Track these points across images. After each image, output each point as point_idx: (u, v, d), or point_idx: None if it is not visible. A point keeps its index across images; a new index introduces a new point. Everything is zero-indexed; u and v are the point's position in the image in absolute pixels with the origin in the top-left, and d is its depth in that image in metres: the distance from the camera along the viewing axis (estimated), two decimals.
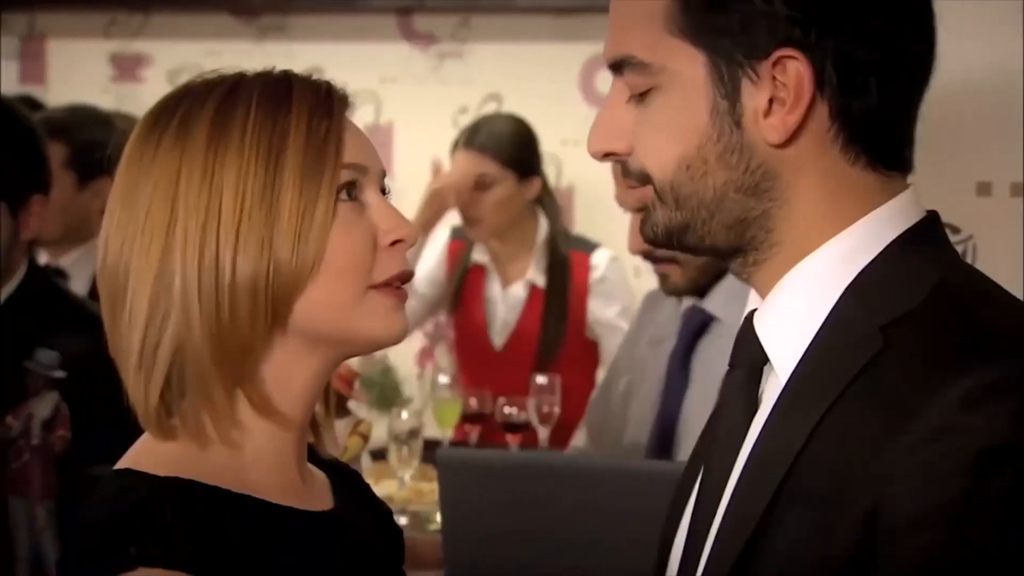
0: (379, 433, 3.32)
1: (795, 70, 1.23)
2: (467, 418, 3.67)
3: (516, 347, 3.92)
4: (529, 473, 2.37)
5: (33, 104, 4.24)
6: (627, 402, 3.11)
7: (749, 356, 1.31)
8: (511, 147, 3.89)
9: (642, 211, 1.33)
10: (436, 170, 3.98)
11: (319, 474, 1.46)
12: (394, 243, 1.37)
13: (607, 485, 2.22)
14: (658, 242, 1.32)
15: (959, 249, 2.32)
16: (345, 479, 1.50)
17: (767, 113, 1.24)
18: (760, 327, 1.29)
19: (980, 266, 2.30)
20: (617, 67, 1.29)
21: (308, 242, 1.31)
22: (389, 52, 4.91)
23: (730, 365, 1.34)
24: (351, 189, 1.35)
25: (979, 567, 1.11)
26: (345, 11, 4.89)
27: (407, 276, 1.38)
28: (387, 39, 4.91)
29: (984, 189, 2.30)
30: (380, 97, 4.93)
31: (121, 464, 1.35)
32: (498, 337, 3.95)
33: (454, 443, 3.72)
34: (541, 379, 3.64)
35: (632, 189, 1.35)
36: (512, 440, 3.56)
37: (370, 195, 1.37)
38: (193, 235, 1.30)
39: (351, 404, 2.58)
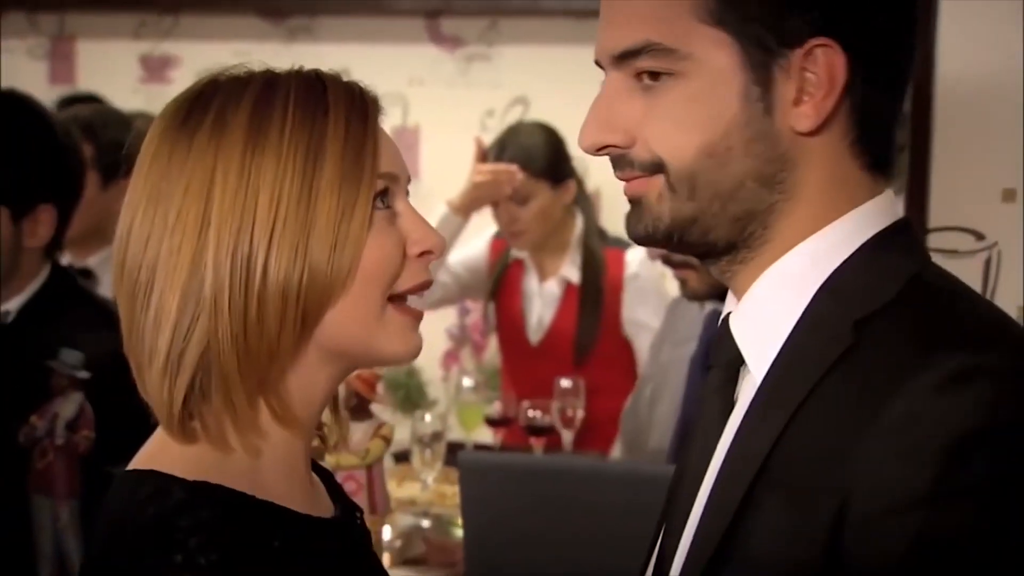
0: (403, 435, 3.33)
1: (827, 59, 1.24)
2: (491, 421, 3.67)
3: (552, 343, 3.91)
4: (550, 476, 2.37)
5: (94, 101, 4.21)
6: (652, 407, 3.11)
7: (726, 357, 1.32)
8: (541, 157, 3.89)
9: (634, 204, 1.32)
10: (480, 155, 3.94)
11: (316, 478, 1.46)
12: (422, 254, 1.37)
13: (627, 488, 2.22)
14: (654, 239, 1.31)
15: (984, 256, 2.32)
16: (329, 480, 1.50)
17: (797, 101, 1.25)
18: (736, 328, 1.30)
19: (1005, 272, 2.30)
20: (626, 56, 1.28)
21: (344, 250, 1.30)
22: (417, 54, 4.92)
23: (708, 366, 1.35)
24: (384, 197, 1.34)
25: (955, 551, 1.11)
26: (373, 13, 4.90)
27: (428, 286, 1.38)
28: (415, 41, 4.92)
29: (1009, 196, 2.30)
30: (407, 99, 4.94)
31: (141, 464, 1.34)
32: (534, 333, 3.94)
33: (478, 446, 3.72)
34: (565, 382, 3.63)
35: (629, 182, 1.33)
36: (536, 443, 3.56)
37: (400, 203, 1.37)
38: (226, 239, 1.28)
39: (373, 407, 2.58)
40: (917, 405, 1.14)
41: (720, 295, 2.86)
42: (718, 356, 1.34)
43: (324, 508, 1.42)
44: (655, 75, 1.27)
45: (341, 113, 1.32)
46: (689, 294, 2.91)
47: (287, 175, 1.29)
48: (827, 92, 1.24)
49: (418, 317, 1.38)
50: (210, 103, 1.32)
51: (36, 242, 2.51)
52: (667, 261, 2.86)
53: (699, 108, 1.26)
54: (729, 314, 1.33)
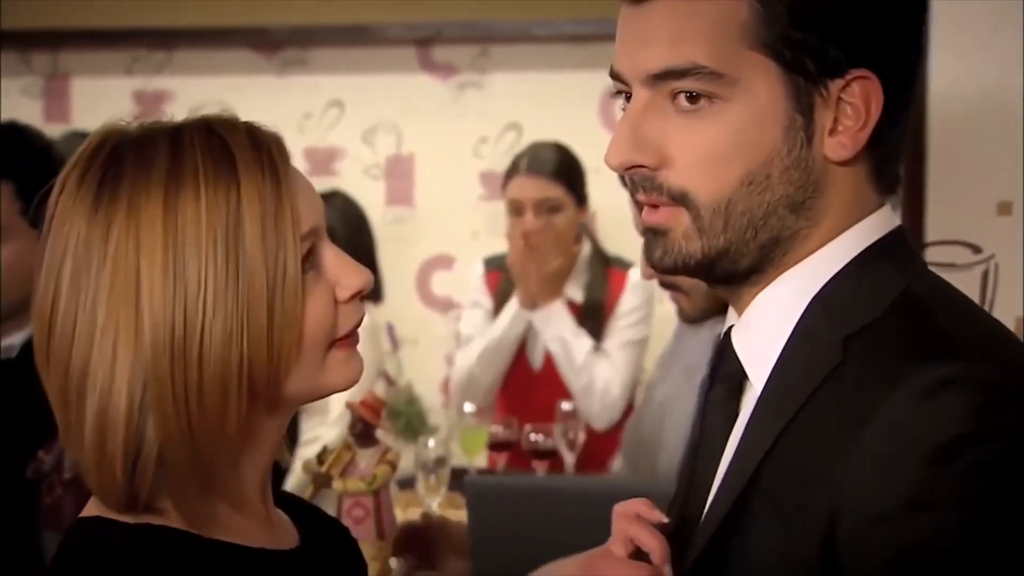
0: (406, 462, 3.33)
1: (864, 90, 1.25)
2: (494, 446, 3.67)
3: (554, 367, 3.87)
4: (557, 497, 2.38)
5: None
6: (661, 428, 3.11)
7: (729, 372, 1.33)
8: (573, 174, 3.89)
9: (657, 234, 1.31)
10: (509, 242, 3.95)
11: (280, 511, 1.44)
12: (351, 296, 1.35)
13: None
14: (682, 272, 1.31)
15: (981, 268, 2.33)
16: (298, 508, 1.48)
17: (832, 131, 1.26)
18: (737, 342, 1.32)
19: (1002, 284, 2.31)
20: (666, 76, 1.27)
21: (284, 328, 1.28)
22: (409, 84, 4.94)
23: (711, 381, 1.36)
24: (310, 256, 1.32)
25: (939, 557, 1.13)
26: (365, 44, 4.92)
27: (361, 322, 1.37)
28: (407, 71, 4.94)
29: (1005, 208, 2.31)
30: (401, 128, 4.96)
31: (90, 511, 1.33)
32: (537, 358, 3.93)
33: (482, 471, 3.73)
34: (566, 405, 3.64)
35: (654, 208, 1.30)
36: (539, 467, 3.57)
37: (325, 252, 1.35)
38: (161, 337, 1.25)
39: (379, 433, 2.59)
40: (900, 414, 1.16)
41: (715, 316, 2.88)
42: (720, 370, 1.35)
43: (285, 540, 1.40)
44: (694, 98, 1.26)
45: (253, 184, 1.28)
46: (684, 317, 2.92)
47: (210, 266, 1.26)
48: (864, 123, 1.26)
49: (354, 344, 1.37)
50: (119, 187, 1.28)
51: None
52: (661, 283, 2.86)
53: (742, 136, 1.25)
54: (731, 328, 1.34)
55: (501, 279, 4.01)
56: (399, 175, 4.98)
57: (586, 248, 3.94)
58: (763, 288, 1.31)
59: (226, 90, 4.78)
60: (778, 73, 1.25)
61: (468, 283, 4.17)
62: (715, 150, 1.26)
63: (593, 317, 3.88)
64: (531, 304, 3.85)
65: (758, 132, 1.25)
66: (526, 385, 3.94)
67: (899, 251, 1.31)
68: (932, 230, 2.33)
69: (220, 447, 1.28)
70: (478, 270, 4.09)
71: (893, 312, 1.25)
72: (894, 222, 1.33)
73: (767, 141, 1.26)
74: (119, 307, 1.25)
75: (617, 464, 3.51)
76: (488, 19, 4.82)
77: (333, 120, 4.92)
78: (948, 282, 1.32)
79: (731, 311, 1.36)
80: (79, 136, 4.12)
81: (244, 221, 1.27)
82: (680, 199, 1.28)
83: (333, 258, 1.35)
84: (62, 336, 1.28)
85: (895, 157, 1.32)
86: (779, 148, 1.26)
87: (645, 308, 3.91)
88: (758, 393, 1.29)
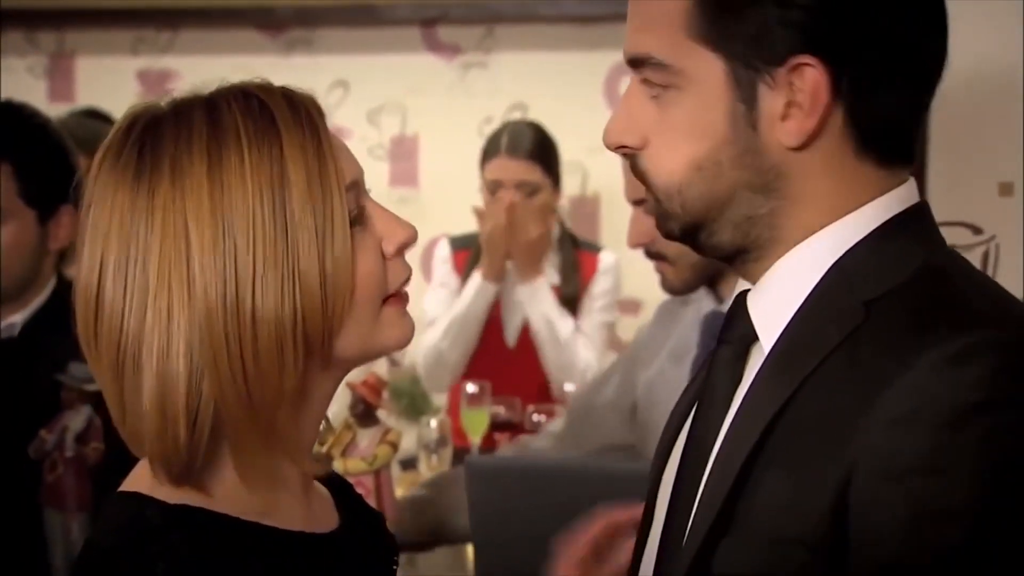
0: (408, 442, 3.34)
1: (812, 77, 1.25)
2: (496, 426, 3.68)
3: (529, 345, 3.90)
4: (558, 477, 2.38)
5: (104, 117, 4.24)
6: (650, 411, 3.10)
7: (739, 334, 1.34)
8: (550, 156, 3.90)
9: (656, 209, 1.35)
10: (479, 214, 3.94)
11: (322, 489, 1.44)
12: (399, 249, 1.36)
13: (637, 488, 2.22)
14: (675, 238, 1.34)
15: (982, 249, 2.33)
16: (340, 488, 1.48)
17: (784, 116, 1.26)
18: (752, 305, 1.33)
19: (1003, 266, 2.31)
20: (636, 64, 1.31)
21: (337, 280, 1.29)
22: (414, 64, 4.94)
23: (719, 341, 1.37)
24: (354, 210, 1.33)
25: (952, 519, 1.13)
26: (370, 24, 4.92)
27: (410, 276, 1.38)
28: (412, 51, 4.94)
29: (1006, 190, 2.31)
30: (406, 108, 4.95)
31: (127, 486, 1.33)
32: (512, 335, 3.94)
33: (483, 450, 3.73)
34: (569, 386, 3.65)
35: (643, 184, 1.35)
36: None
37: (369, 207, 1.35)
38: (213, 296, 1.26)
39: (380, 413, 2.60)
40: (922, 379, 1.16)
41: (699, 288, 2.87)
42: (730, 332, 1.35)
43: (324, 523, 1.40)
44: (654, 85, 1.30)
45: (295, 140, 1.29)
46: (667, 287, 2.92)
47: (258, 222, 1.26)
48: (810, 110, 1.26)
49: (406, 300, 1.38)
50: (160, 155, 1.28)
51: (57, 244, 2.53)
52: (646, 252, 2.87)
53: (691, 121, 1.28)
54: (746, 292, 1.35)
55: (469, 258, 4.01)
56: (404, 155, 4.98)
57: (556, 232, 3.96)
58: (773, 262, 1.32)
59: (231, 70, 4.69)
60: (719, 63, 1.27)
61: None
62: (668, 137, 1.30)
63: (568, 301, 3.90)
64: (495, 276, 3.87)
65: (704, 121, 1.28)
66: (500, 362, 3.93)
67: (919, 225, 1.32)
68: (933, 211, 2.33)
69: (278, 405, 1.28)
70: (444, 250, 4.10)
71: (915, 281, 1.26)
72: (916, 197, 1.33)
73: (713, 130, 1.28)
74: (170, 270, 1.26)
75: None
76: None
77: (338, 100, 4.91)
78: (963, 256, 1.34)
79: (740, 281, 1.38)
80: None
81: (289, 176, 1.28)
82: (643, 180, 1.32)
83: (375, 211, 1.35)
84: (112, 307, 1.27)
85: (895, 129, 1.30)
86: (726, 136, 1.27)
87: (616, 291, 3.95)
88: (767, 353, 1.29)
